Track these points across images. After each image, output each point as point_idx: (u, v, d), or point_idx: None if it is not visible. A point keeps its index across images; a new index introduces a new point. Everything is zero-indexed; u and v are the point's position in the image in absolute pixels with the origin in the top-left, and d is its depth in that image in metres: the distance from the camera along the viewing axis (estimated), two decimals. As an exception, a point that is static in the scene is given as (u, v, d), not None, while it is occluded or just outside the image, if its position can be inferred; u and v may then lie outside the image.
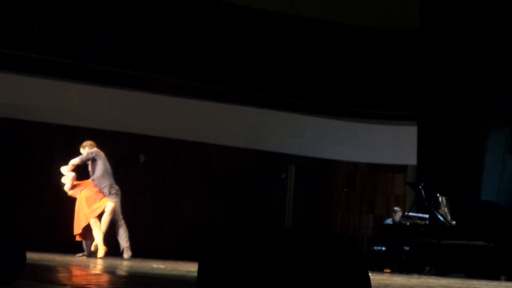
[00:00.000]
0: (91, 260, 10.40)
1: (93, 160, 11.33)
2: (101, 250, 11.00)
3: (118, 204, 11.43)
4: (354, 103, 17.02)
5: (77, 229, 11.15)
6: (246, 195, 15.67)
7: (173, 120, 15.28)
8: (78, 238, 11.31)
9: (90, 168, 11.41)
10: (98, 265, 9.04)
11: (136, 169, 14.79)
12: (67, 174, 11.27)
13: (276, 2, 16.21)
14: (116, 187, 11.46)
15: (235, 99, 15.77)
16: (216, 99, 15.59)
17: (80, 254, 11.33)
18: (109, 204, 11.13)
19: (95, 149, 11.43)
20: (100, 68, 14.64)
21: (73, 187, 11.28)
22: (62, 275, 6.35)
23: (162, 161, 15.29)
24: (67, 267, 7.80)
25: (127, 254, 11.27)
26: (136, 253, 11.54)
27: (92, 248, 11.11)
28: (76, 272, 7.05)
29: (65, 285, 4.91)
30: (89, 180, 11.40)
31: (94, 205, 11.14)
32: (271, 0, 16.17)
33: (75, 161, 11.28)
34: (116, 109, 14.76)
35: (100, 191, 11.29)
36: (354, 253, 3.24)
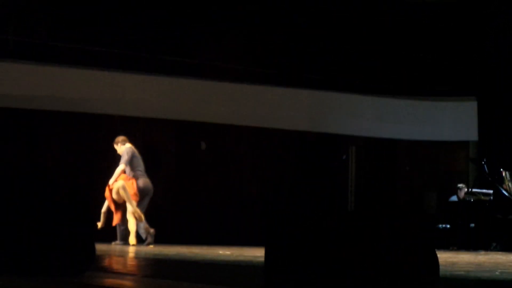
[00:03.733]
0: (152, 248, 10.50)
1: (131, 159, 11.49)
2: (134, 239, 11.13)
3: None
4: (413, 81, 16.87)
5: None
6: (308, 178, 15.66)
7: (233, 106, 15.32)
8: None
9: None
10: (162, 252, 9.13)
11: (198, 156, 14.88)
12: (117, 183, 11.41)
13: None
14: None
15: (294, 83, 15.75)
16: (274, 83, 15.60)
17: (117, 242, 11.46)
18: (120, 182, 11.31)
19: (130, 146, 11.56)
20: (159, 58, 14.76)
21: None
22: (129, 265, 6.44)
23: (224, 147, 15.35)
24: (128, 256, 7.91)
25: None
26: (201, 241, 11.64)
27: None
28: (140, 262, 7.14)
29: (133, 275, 4.99)
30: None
31: None
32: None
33: (121, 168, 11.42)
34: (176, 97, 14.86)
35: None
36: (420, 232, 3.24)
